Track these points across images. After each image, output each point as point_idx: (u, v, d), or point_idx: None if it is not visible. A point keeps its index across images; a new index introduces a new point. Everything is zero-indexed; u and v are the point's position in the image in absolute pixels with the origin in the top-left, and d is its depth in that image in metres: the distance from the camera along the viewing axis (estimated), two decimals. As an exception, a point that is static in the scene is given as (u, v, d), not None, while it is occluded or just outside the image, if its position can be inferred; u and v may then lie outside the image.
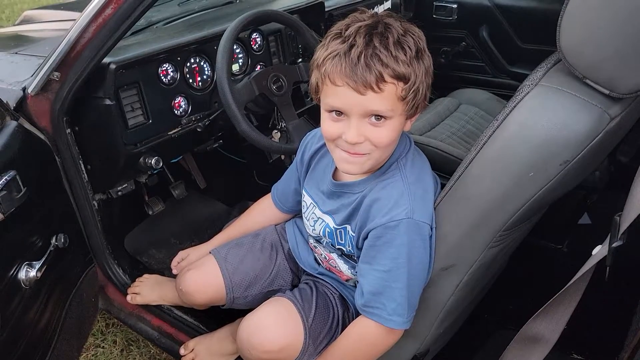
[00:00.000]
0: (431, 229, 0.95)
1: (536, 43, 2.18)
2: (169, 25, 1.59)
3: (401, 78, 0.85)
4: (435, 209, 0.96)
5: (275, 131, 1.62)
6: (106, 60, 1.21)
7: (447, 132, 1.90)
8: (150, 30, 1.54)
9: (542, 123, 0.81)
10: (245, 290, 1.23)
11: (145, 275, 1.51)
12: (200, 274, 1.25)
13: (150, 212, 1.82)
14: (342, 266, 1.14)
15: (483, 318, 1.45)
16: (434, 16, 2.40)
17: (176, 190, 1.87)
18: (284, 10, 1.67)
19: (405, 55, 0.85)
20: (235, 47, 1.60)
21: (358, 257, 1.05)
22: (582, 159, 0.81)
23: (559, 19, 0.79)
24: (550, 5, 2.13)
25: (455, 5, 2.33)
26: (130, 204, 1.74)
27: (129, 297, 1.46)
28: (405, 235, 0.92)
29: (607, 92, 0.79)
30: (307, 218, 1.16)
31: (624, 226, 0.72)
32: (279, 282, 1.26)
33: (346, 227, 1.05)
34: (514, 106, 0.83)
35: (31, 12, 2.12)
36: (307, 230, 1.18)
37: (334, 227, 1.07)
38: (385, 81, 0.84)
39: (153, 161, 1.39)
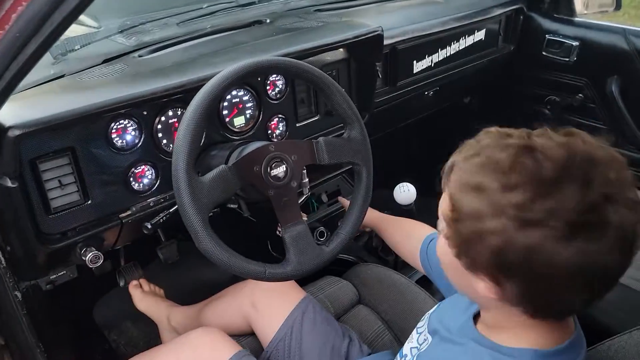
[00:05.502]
0: None
1: (692, 113, 1.52)
2: (156, 54, 1.13)
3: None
4: None
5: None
6: (5, 120, 0.79)
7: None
8: (126, 60, 1.09)
9: None
10: None
11: None
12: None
13: (121, 284, 1.42)
14: None
15: None
16: (544, 53, 1.77)
17: (164, 253, 1.43)
18: (325, 45, 1.16)
19: None
20: (241, 92, 1.13)
21: None
22: None
23: None
24: None
25: (576, 43, 1.69)
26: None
27: None
28: None
29: None
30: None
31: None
32: None
33: None
34: None
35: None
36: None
37: None
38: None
39: (90, 257, 0.97)
